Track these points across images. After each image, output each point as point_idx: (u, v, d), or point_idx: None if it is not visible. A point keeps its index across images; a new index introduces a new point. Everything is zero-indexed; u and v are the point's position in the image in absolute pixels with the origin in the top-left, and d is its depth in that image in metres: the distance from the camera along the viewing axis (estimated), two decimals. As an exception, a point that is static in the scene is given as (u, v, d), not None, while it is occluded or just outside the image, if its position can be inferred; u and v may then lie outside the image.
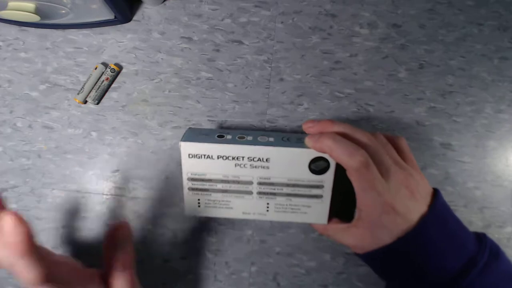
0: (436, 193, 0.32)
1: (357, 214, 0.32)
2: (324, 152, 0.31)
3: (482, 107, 0.42)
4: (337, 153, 0.30)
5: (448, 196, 0.41)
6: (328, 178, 0.33)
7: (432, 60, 0.42)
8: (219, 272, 0.40)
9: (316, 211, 0.34)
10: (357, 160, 0.29)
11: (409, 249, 0.30)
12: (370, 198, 0.30)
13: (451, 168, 0.41)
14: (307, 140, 0.32)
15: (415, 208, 0.30)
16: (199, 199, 0.34)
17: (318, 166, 0.32)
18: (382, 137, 0.33)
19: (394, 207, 0.29)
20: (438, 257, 0.29)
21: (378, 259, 0.32)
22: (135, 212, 0.40)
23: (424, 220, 0.30)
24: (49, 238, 0.40)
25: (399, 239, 0.29)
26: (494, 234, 0.41)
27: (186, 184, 0.33)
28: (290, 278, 0.40)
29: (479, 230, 0.41)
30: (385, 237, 0.30)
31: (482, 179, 0.41)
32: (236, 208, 0.34)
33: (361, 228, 0.31)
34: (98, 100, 0.40)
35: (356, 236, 0.32)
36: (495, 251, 0.30)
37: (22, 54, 0.41)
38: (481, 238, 0.31)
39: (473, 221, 0.41)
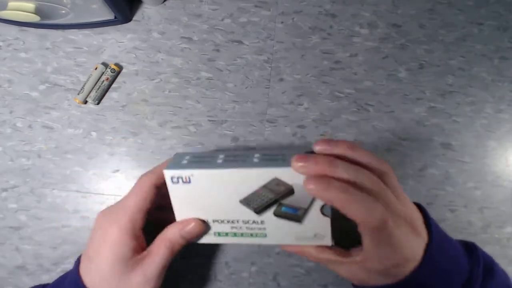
0: (424, 214, 0.30)
1: (361, 256, 0.29)
2: (331, 204, 0.26)
3: (482, 107, 0.42)
4: (351, 209, 0.25)
5: (448, 196, 0.41)
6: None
7: (432, 60, 0.42)
8: (219, 272, 0.40)
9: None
10: (375, 218, 0.25)
11: (418, 283, 0.28)
12: (383, 254, 0.27)
13: (451, 168, 0.41)
14: (310, 186, 0.26)
15: (419, 245, 0.28)
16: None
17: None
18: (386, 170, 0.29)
19: (405, 256, 0.27)
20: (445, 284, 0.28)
21: None
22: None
23: (428, 255, 0.28)
24: (49, 238, 0.40)
25: (407, 276, 0.28)
26: (494, 234, 0.41)
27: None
28: (290, 278, 0.40)
29: (479, 230, 0.41)
30: (389, 280, 0.28)
31: (482, 179, 0.41)
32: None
33: (363, 270, 0.29)
34: (98, 100, 0.40)
35: (355, 274, 0.30)
36: (489, 265, 0.30)
37: (22, 54, 0.41)
38: (471, 250, 0.30)
39: (473, 221, 0.41)
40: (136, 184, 0.31)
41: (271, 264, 0.40)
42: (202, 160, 0.31)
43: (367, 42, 0.42)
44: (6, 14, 0.34)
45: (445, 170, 0.41)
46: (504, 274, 0.31)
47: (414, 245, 0.28)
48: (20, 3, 0.34)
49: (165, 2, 0.42)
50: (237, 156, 0.32)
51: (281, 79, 0.42)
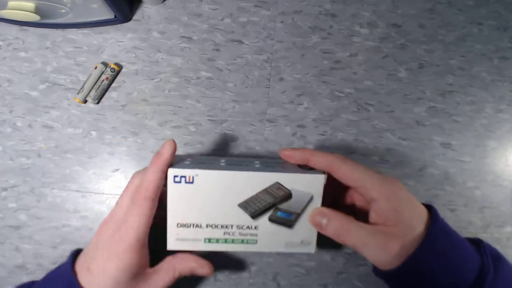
0: (429, 207, 0.31)
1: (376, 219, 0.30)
2: (302, 161, 0.32)
3: (482, 107, 0.42)
4: (317, 156, 0.31)
5: (448, 196, 0.41)
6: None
7: (432, 60, 0.42)
8: (219, 272, 0.40)
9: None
10: (336, 155, 0.30)
11: (429, 261, 0.28)
12: (376, 179, 0.30)
13: (451, 168, 0.41)
14: (312, 220, 0.31)
15: (422, 216, 0.30)
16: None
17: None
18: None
19: (408, 199, 0.30)
20: (452, 268, 0.29)
21: (404, 275, 0.29)
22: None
23: (432, 229, 0.29)
24: (49, 238, 0.40)
25: (417, 248, 0.28)
26: (494, 234, 0.41)
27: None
28: (290, 278, 0.40)
29: (479, 230, 0.41)
30: (417, 227, 0.29)
31: (482, 179, 0.41)
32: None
33: (384, 232, 0.29)
34: (98, 99, 0.40)
35: (381, 244, 0.29)
36: (495, 256, 0.30)
37: (22, 54, 0.41)
38: (478, 244, 0.31)
39: (473, 221, 0.41)
40: (139, 200, 0.30)
41: (271, 264, 0.40)
42: (205, 162, 0.32)
43: (367, 42, 0.42)
44: (6, 13, 0.34)
45: (444, 170, 0.41)
46: (509, 263, 0.31)
47: (418, 213, 0.29)
48: (20, 3, 0.34)
49: (165, 2, 0.42)
50: (238, 161, 0.33)
51: (281, 79, 0.42)
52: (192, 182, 0.30)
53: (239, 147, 0.41)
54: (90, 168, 0.40)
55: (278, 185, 0.31)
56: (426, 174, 0.41)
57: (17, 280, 0.39)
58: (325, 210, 0.31)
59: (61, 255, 0.40)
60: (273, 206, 0.31)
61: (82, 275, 0.30)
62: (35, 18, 0.35)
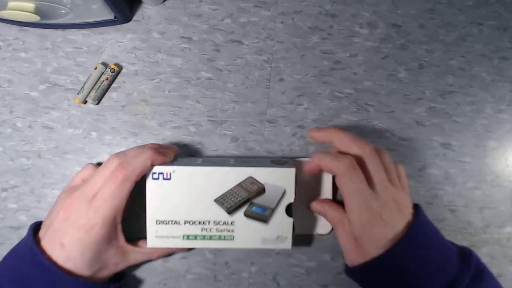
0: (417, 208, 0.33)
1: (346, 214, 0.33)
2: (317, 170, 0.33)
3: (482, 107, 0.42)
4: (325, 162, 0.32)
5: (448, 196, 0.41)
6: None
7: (432, 60, 0.42)
8: (219, 272, 0.40)
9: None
10: (342, 163, 0.31)
11: (397, 262, 0.30)
12: (357, 202, 0.31)
13: (451, 168, 0.41)
14: (304, 169, 0.34)
15: (401, 219, 0.31)
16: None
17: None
18: (387, 156, 0.34)
19: (382, 216, 0.30)
20: (425, 272, 0.29)
21: (367, 274, 0.32)
22: (135, 212, 0.40)
23: (410, 229, 0.30)
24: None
25: (387, 251, 0.29)
26: (494, 234, 0.41)
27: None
28: (290, 278, 0.40)
29: (479, 230, 0.41)
30: (373, 249, 0.30)
31: (482, 179, 0.41)
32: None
33: (350, 234, 0.32)
34: (98, 100, 0.40)
35: (347, 238, 0.32)
36: (479, 270, 0.30)
37: (22, 54, 0.41)
38: (465, 256, 0.31)
39: (473, 221, 0.41)
40: (120, 180, 0.31)
41: (271, 264, 0.40)
42: (182, 161, 0.34)
43: (367, 42, 0.42)
44: (6, 14, 0.34)
45: (445, 170, 0.41)
46: (496, 282, 0.31)
47: (395, 216, 0.31)
48: (20, 3, 0.34)
49: (165, 2, 0.42)
50: (214, 159, 0.35)
51: (281, 79, 0.42)
52: (170, 179, 0.32)
53: (239, 148, 0.41)
54: (90, 168, 0.40)
55: (251, 180, 0.32)
56: (426, 175, 0.41)
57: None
58: (325, 203, 0.35)
59: (62, 255, 0.40)
60: (247, 200, 0.32)
61: (56, 252, 0.30)
62: (35, 18, 0.35)
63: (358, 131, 0.41)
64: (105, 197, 0.30)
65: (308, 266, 0.40)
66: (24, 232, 0.39)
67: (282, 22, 0.42)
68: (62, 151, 0.41)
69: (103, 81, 0.40)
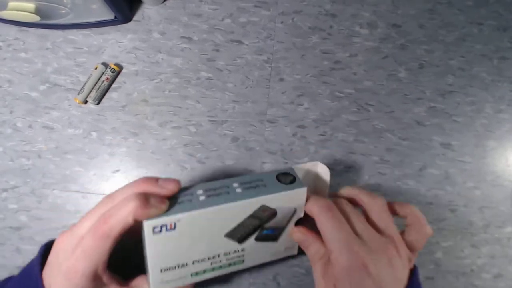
0: (413, 272, 0.29)
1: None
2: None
3: (482, 107, 0.42)
4: (307, 206, 0.30)
5: (448, 196, 0.41)
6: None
7: (432, 60, 0.42)
8: (219, 272, 0.40)
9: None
10: (320, 203, 0.29)
11: None
12: (337, 241, 0.27)
13: (451, 168, 0.41)
14: (295, 237, 0.31)
15: (393, 281, 0.27)
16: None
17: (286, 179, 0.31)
18: (382, 203, 0.30)
19: (367, 266, 0.26)
20: None
21: None
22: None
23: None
24: (49, 239, 0.40)
25: None
26: (494, 234, 0.41)
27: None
28: (290, 278, 0.40)
29: (479, 230, 0.41)
30: None
31: (482, 179, 0.41)
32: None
33: (330, 277, 0.28)
34: (98, 100, 0.40)
35: (324, 281, 0.28)
36: None
37: (22, 54, 0.41)
38: None
39: (473, 221, 0.41)
40: (100, 236, 0.26)
41: (271, 264, 0.40)
42: (182, 200, 0.28)
43: (367, 42, 0.42)
44: (6, 14, 0.34)
45: (445, 170, 0.41)
46: None
47: (384, 273, 0.26)
48: (20, 3, 0.34)
49: (165, 2, 0.42)
50: (217, 188, 0.30)
51: (281, 79, 0.42)
52: (174, 229, 0.27)
53: (239, 148, 0.41)
54: (91, 169, 0.40)
55: (263, 208, 0.29)
56: (426, 174, 0.41)
57: (17, 281, 0.39)
58: (310, 236, 0.30)
59: (62, 255, 0.40)
60: (259, 227, 0.30)
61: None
62: (35, 18, 0.35)
63: (358, 131, 0.41)
64: (85, 249, 0.26)
65: (308, 266, 0.40)
66: (24, 233, 0.40)
67: (282, 22, 0.42)
68: (62, 151, 0.41)
69: (103, 81, 0.40)
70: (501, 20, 0.43)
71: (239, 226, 0.29)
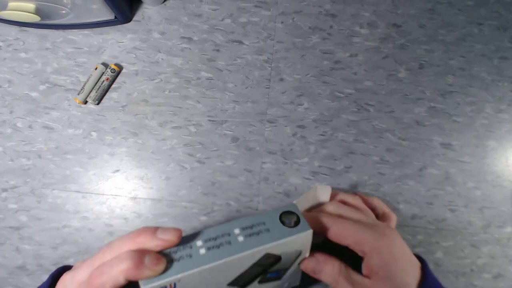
0: (420, 259, 0.31)
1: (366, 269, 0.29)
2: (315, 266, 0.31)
3: (482, 107, 0.42)
4: (315, 224, 0.31)
5: (448, 196, 0.41)
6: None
7: (432, 60, 0.42)
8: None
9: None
10: (332, 218, 0.31)
11: None
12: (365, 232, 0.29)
13: (451, 168, 0.41)
14: (305, 268, 0.31)
15: (413, 274, 0.29)
16: None
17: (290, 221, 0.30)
18: (359, 199, 0.35)
19: (394, 243, 0.29)
20: None
21: None
22: (135, 212, 0.40)
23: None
24: (49, 238, 0.40)
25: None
26: (494, 234, 0.41)
27: None
28: (290, 278, 0.40)
29: (479, 230, 0.41)
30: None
31: (482, 179, 0.41)
32: None
33: (360, 283, 0.29)
34: (98, 100, 0.40)
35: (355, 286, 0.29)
36: None
37: (22, 55, 0.41)
38: None
39: (473, 221, 0.41)
40: None
41: (271, 264, 0.40)
42: (181, 255, 0.27)
43: (367, 42, 0.42)
44: (7, 14, 0.34)
45: (445, 170, 0.41)
46: None
47: (411, 269, 0.29)
48: (20, 4, 0.34)
49: (165, 2, 0.42)
50: (217, 238, 0.28)
51: (281, 79, 0.42)
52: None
53: (239, 148, 0.41)
54: (91, 169, 0.40)
55: (267, 255, 0.28)
56: (426, 174, 0.41)
57: (17, 281, 0.39)
58: (320, 257, 0.30)
59: (62, 255, 0.40)
60: (263, 272, 0.29)
61: None
62: (36, 19, 0.35)
63: (358, 131, 0.41)
64: None
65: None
66: (23, 232, 0.40)
67: (282, 22, 0.42)
68: (62, 151, 0.41)
69: (103, 81, 0.40)
70: (501, 20, 0.43)
71: (243, 274, 0.28)
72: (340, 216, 0.31)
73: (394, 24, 0.42)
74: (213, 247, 0.27)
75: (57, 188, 0.40)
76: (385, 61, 0.42)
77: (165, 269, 0.25)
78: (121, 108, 0.41)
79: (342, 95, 0.42)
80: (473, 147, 0.41)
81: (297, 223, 0.29)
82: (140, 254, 0.24)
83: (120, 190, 0.40)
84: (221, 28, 0.42)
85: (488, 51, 0.42)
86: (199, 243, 0.28)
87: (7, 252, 0.39)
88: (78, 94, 0.40)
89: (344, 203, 0.34)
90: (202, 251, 0.27)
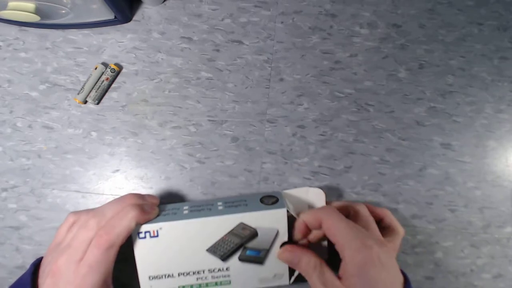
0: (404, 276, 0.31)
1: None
2: (305, 230, 0.32)
3: (482, 107, 0.42)
4: (307, 216, 0.31)
5: (448, 196, 0.41)
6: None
7: (432, 60, 0.42)
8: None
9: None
10: (327, 208, 0.32)
11: None
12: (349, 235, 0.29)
13: (451, 168, 0.41)
14: (281, 257, 0.32)
15: (396, 269, 0.29)
16: None
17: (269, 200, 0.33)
18: (366, 209, 0.34)
19: (380, 258, 0.28)
20: None
21: None
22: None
23: None
24: (49, 238, 0.40)
25: None
26: (494, 234, 0.41)
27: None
28: (290, 278, 0.40)
29: (479, 230, 0.41)
30: None
31: (482, 179, 0.41)
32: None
33: (332, 280, 0.29)
34: (98, 100, 0.40)
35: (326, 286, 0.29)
36: None
37: (22, 54, 0.41)
38: None
39: (473, 221, 0.41)
40: (102, 248, 0.29)
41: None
42: (168, 213, 0.33)
43: (367, 42, 0.42)
44: (6, 14, 0.34)
45: (445, 170, 0.41)
46: None
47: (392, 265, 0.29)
48: (20, 3, 0.34)
49: (165, 2, 0.42)
50: (201, 206, 0.33)
51: (281, 79, 0.42)
52: (157, 236, 0.31)
53: (239, 148, 0.41)
54: (90, 168, 0.40)
55: (243, 225, 0.31)
56: (426, 175, 0.41)
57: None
58: (298, 250, 0.31)
59: (62, 255, 0.40)
60: (241, 246, 0.32)
61: None
62: (35, 18, 0.35)
63: (358, 131, 0.41)
64: (91, 264, 0.28)
65: None
66: (23, 232, 0.40)
67: (282, 22, 0.42)
68: (62, 151, 0.40)
69: (103, 81, 0.40)
70: (501, 20, 0.43)
71: (219, 242, 0.31)
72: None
73: (394, 24, 0.42)
74: (195, 210, 0.32)
75: (57, 188, 0.40)
76: (385, 61, 0.42)
77: (153, 221, 0.31)
78: (121, 108, 0.41)
79: (342, 95, 0.42)
80: (473, 147, 0.41)
81: (274, 203, 0.32)
82: (140, 204, 0.31)
83: (120, 190, 0.40)
84: (221, 28, 0.42)
85: (488, 51, 0.42)
86: (185, 207, 0.33)
87: (7, 252, 0.39)
88: (78, 93, 0.40)
89: (346, 208, 0.35)
90: (186, 212, 0.32)
